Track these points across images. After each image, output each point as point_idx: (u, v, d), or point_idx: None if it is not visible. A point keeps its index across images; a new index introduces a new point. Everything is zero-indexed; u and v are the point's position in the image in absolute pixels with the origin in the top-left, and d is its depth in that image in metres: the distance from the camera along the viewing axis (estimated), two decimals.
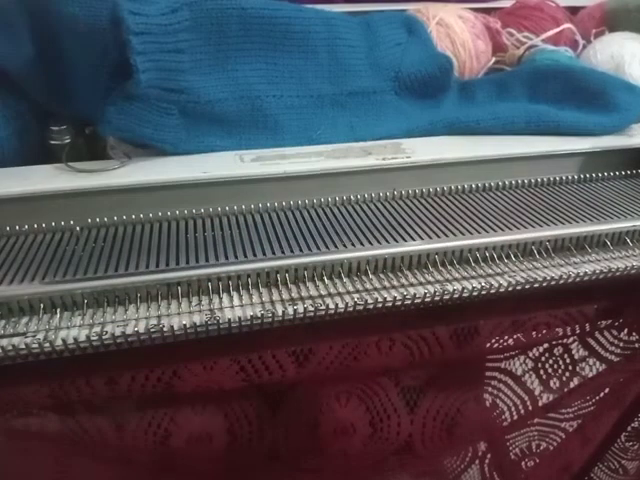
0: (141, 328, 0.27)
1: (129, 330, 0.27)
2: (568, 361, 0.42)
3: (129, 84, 0.34)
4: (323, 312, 0.29)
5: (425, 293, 0.30)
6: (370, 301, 0.29)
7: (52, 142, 0.39)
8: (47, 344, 0.26)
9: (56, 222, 0.34)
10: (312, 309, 0.29)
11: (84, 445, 0.33)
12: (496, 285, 0.31)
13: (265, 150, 0.40)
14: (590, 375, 0.43)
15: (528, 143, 0.42)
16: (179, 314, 0.29)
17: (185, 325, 0.27)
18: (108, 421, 0.33)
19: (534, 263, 0.33)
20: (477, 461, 0.46)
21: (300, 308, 0.29)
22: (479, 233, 0.34)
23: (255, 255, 0.31)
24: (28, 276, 0.29)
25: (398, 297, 0.30)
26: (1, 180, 0.35)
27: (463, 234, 0.34)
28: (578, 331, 0.40)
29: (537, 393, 0.43)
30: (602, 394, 0.45)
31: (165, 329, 0.27)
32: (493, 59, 0.54)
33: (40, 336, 0.27)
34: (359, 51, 0.44)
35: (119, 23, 0.33)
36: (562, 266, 0.33)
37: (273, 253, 0.31)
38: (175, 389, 0.32)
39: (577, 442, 0.48)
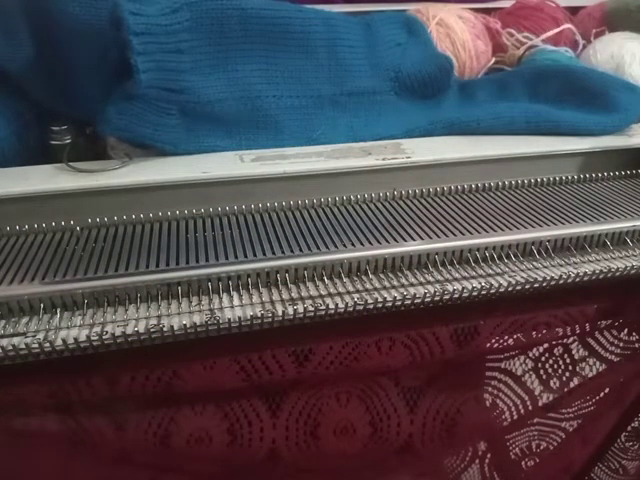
0: (141, 328, 0.27)
1: (129, 330, 0.27)
2: (568, 361, 0.42)
3: (129, 84, 0.34)
4: (323, 312, 0.29)
5: (425, 293, 0.30)
6: (370, 301, 0.29)
7: (52, 142, 0.39)
8: (47, 344, 0.26)
9: (56, 222, 0.34)
10: (312, 309, 0.29)
11: (84, 445, 0.33)
12: (496, 285, 0.31)
13: (265, 150, 0.40)
14: (590, 375, 0.43)
15: (528, 143, 0.42)
16: (179, 314, 0.29)
17: (185, 325, 0.27)
18: (108, 421, 0.33)
19: (534, 263, 0.33)
20: (477, 461, 0.46)
21: (300, 308, 0.29)
22: (479, 233, 0.34)
23: (255, 255, 0.31)
24: (28, 276, 0.29)
25: (398, 297, 0.30)
26: (1, 180, 0.35)
27: (463, 234, 0.34)
28: (578, 331, 0.40)
29: (537, 393, 0.43)
30: (602, 394, 0.45)
31: (165, 329, 0.27)
32: (493, 59, 0.54)
33: (40, 336, 0.27)
34: (359, 51, 0.44)
35: (119, 23, 0.33)
36: (562, 266, 0.33)
37: (273, 253, 0.31)
38: (175, 389, 0.32)
39: (577, 442, 0.47)
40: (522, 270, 0.33)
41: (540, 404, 0.43)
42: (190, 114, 0.38)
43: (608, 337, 0.42)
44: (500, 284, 0.31)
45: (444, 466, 0.46)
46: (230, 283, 0.30)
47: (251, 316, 0.28)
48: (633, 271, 0.33)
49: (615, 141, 0.43)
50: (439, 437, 0.40)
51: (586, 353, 0.42)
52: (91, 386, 0.31)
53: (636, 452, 0.50)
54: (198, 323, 0.28)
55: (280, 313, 0.28)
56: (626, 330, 0.42)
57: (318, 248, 0.32)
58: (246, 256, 0.31)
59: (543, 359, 0.42)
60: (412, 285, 0.31)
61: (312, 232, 0.34)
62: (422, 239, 0.33)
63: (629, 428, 0.49)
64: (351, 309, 0.29)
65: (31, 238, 0.33)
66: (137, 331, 0.27)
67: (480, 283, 0.31)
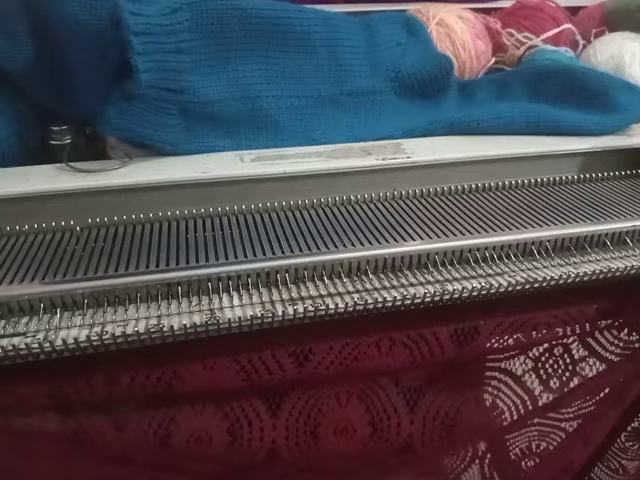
0: (141, 328, 0.27)
1: (129, 330, 0.27)
2: (568, 361, 0.42)
3: (129, 84, 0.34)
4: (323, 312, 0.29)
5: (425, 293, 0.30)
6: (370, 301, 0.29)
7: (52, 142, 0.39)
8: (47, 344, 0.26)
9: (56, 222, 0.34)
10: (312, 309, 0.29)
11: (84, 445, 0.33)
12: (496, 285, 0.31)
13: (265, 150, 0.40)
14: (590, 375, 0.43)
15: (528, 143, 0.42)
16: (179, 314, 0.29)
17: (185, 325, 0.27)
18: (108, 421, 0.33)
19: (534, 263, 0.33)
20: (477, 461, 0.46)
21: (300, 308, 0.29)
22: (479, 233, 0.34)
23: (255, 255, 0.31)
24: (28, 276, 0.29)
25: (398, 297, 0.30)
26: (1, 180, 0.35)
27: (463, 234, 0.34)
28: (578, 331, 0.40)
29: (537, 393, 0.43)
30: (602, 394, 0.45)
31: (165, 329, 0.27)
32: (493, 59, 0.54)
33: (40, 336, 0.27)
34: (359, 51, 0.44)
35: (119, 23, 0.33)
36: (562, 266, 0.33)
37: (273, 253, 0.31)
38: (175, 389, 0.32)
39: (577, 442, 0.47)
40: (522, 270, 0.33)
41: (540, 404, 0.43)
42: (190, 114, 0.38)
43: (608, 337, 0.42)
44: (500, 284, 0.31)
45: (444, 466, 0.46)
46: (230, 283, 0.30)
47: (251, 316, 0.28)
48: (633, 271, 0.33)
49: (615, 141, 0.43)
50: (439, 437, 0.40)
51: (586, 353, 0.42)
52: (91, 386, 0.31)
53: (636, 452, 0.50)
54: (198, 323, 0.28)
55: (280, 313, 0.28)
56: (626, 330, 0.42)
57: (318, 248, 0.32)
58: (246, 256, 0.31)
59: (543, 359, 0.42)
60: (412, 285, 0.31)
61: (312, 232, 0.34)
62: (422, 239, 0.33)
63: (629, 428, 0.49)
64: (351, 309, 0.29)
65: (31, 238, 0.33)
66: (137, 331, 0.27)
67: (480, 283, 0.31)
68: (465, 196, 0.39)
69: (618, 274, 0.33)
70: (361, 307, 0.29)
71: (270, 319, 0.29)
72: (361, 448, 0.39)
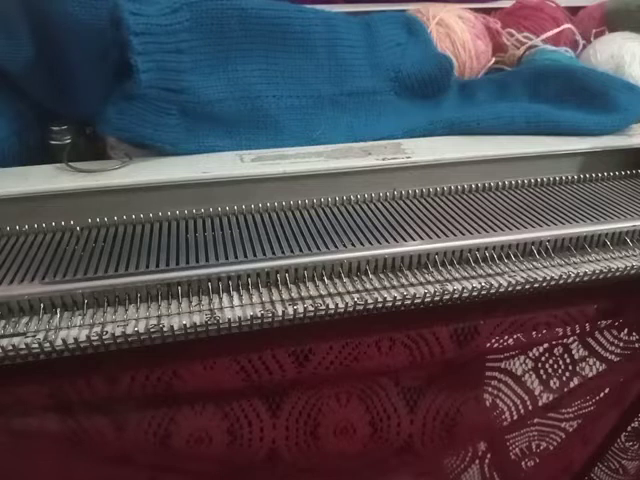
0: (141, 328, 0.27)
1: (129, 330, 0.27)
2: (568, 361, 0.42)
3: (129, 84, 0.34)
4: (323, 312, 0.29)
5: (425, 293, 0.30)
6: (370, 301, 0.29)
7: (52, 142, 0.39)
8: (47, 344, 0.26)
9: (56, 222, 0.34)
10: (312, 309, 0.29)
11: (84, 445, 0.33)
12: (496, 285, 0.31)
13: (265, 150, 0.40)
14: (590, 375, 0.43)
15: (528, 143, 0.42)
16: (179, 314, 0.29)
17: (185, 325, 0.27)
18: (108, 421, 0.33)
19: (534, 263, 0.33)
20: (477, 461, 0.46)
21: (300, 308, 0.29)
22: (479, 233, 0.34)
23: (255, 255, 0.31)
24: (28, 276, 0.29)
25: (398, 297, 0.30)
26: (1, 180, 0.35)
27: (463, 234, 0.34)
28: (578, 331, 0.40)
29: (537, 393, 0.43)
30: (602, 394, 0.45)
31: (165, 329, 0.27)
32: (493, 59, 0.54)
33: (40, 336, 0.27)
34: (359, 51, 0.44)
35: (119, 23, 0.33)
36: (562, 266, 0.33)
37: (273, 253, 0.31)
38: (175, 389, 0.32)
39: (577, 442, 0.47)
40: (522, 270, 0.33)
41: (540, 404, 0.43)
42: (190, 114, 0.38)
43: (608, 337, 0.42)
44: (500, 284, 0.31)
45: (444, 466, 0.46)
46: (230, 283, 0.30)
47: (251, 316, 0.28)
48: (633, 271, 0.33)
49: (615, 141, 0.43)
50: (439, 437, 0.40)
51: (586, 353, 0.42)
52: (91, 386, 0.31)
53: (636, 452, 0.50)
54: (198, 323, 0.28)
55: (280, 313, 0.28)
56: (626, 330, 0.42)
57: (318, 248, 0.32)
58: (246, 256, 0.31)
59: (543, 359, 0.42)
60: (412, 285, 0.31)
61: (312, 232, 0.34)
62: (422, 239, 0.33)
63: (629, 428, 0.49)
64: (351, 309, 0.29)
65: (31, 238, 0.33)
66: (137, 331, 0.27)
67: (480, 283, 0.31)
68: (465, 196, 0.39)
69: (618, 274, 0.33)
70: (361, 307, 0.29)
71: (270, 319, 0.29)
72: (361, 448, 0.39)
